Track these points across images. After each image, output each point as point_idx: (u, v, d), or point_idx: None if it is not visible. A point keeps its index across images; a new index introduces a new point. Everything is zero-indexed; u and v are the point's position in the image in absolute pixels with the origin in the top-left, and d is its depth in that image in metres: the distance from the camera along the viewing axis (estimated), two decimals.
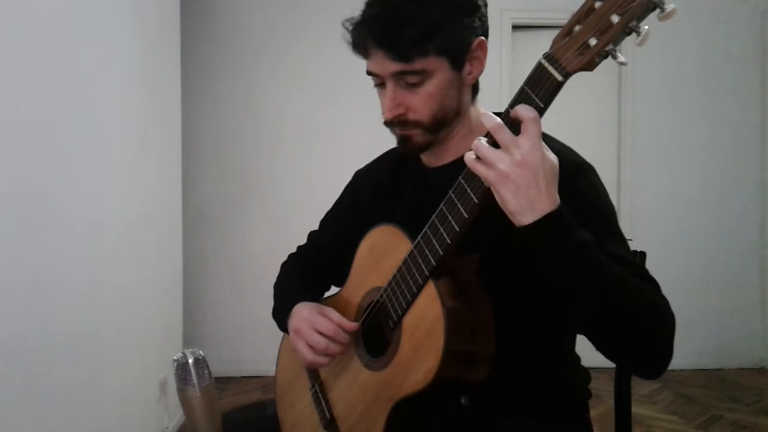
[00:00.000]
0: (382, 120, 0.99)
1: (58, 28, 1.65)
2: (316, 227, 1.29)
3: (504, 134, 0.76)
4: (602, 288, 0.78)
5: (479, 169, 0.77)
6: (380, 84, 0.98)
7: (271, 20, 3.62)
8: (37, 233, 1.52)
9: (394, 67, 0.93)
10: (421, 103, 0.95)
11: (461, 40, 0.94)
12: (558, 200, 0.78)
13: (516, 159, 0.74)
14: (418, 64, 0.92)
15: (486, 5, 0.98)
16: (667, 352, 0.82)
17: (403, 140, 1.00)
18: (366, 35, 0.94)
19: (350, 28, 0.97)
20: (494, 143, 0.77)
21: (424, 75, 0.93)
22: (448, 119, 0.98)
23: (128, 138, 2.19)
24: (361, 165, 1.24)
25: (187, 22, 3.25)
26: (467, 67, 0.97)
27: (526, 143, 0.75)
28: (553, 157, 0.78)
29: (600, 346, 0.82)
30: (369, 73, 0.98)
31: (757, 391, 3.34)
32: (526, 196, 0.75)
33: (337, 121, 3.62)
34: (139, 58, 2.32)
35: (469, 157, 0.78)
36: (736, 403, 3.15)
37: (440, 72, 0.94)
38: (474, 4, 0.95)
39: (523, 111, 0.75)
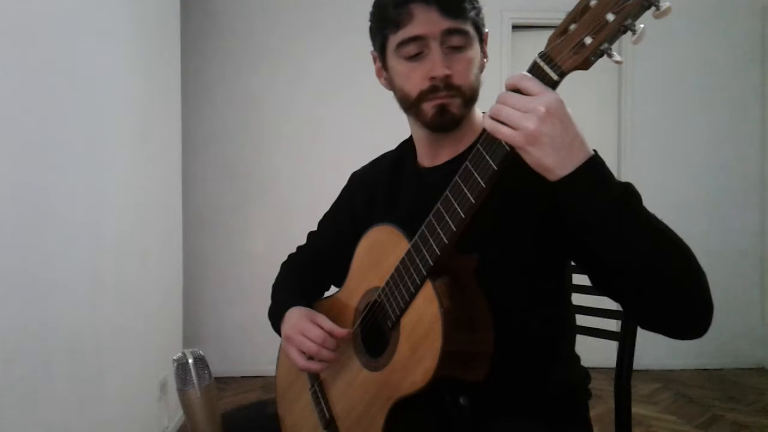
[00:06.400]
0: (421, 88, 0.94)
1: (58, 28, 1.65)
2: (315, 227, 1.29)
3: (516, 96, 0.74)
4: (654, 227, 0.75)
5: (504, 132, 0.74)
6: (417, 54, 0.94)
7: (271, 20, 3.63)
8: (37, 233, 1.52)
9: (446, 24, 0.92)
10: (464, 68, 0.95)
11: (483, 24, 0.98)
12: (590, 147, 0.75)
13: (541, 113, 0.71)
14: (467, 25, 0.94)
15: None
16: (711, 302, 0.79)
17: (441, 109, 0.95)
18: None
19: None
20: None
21: (468, 39, 0.95)
22: (476, 96, 0.99)
23: (128, 138, 2.19)
24: (362, 165, 1.24)
25: (187, 22, 3.26)
26: (483, 52, 0.99)
27: (541, 94, 0.72)
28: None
29: (649, 300, 0.77)
30: (409, 39, 0.94)
31: (757, 391, 3.33)
32: (563, 145, 0.72)
33: (337, 121, 3.63)
34: (139, 58, 2.32)
35: (490, 120, 0.75)
36: (736, 403, 3.15)
37: (474, 43, 0.96)
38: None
39: (511, 79, 0.75)
